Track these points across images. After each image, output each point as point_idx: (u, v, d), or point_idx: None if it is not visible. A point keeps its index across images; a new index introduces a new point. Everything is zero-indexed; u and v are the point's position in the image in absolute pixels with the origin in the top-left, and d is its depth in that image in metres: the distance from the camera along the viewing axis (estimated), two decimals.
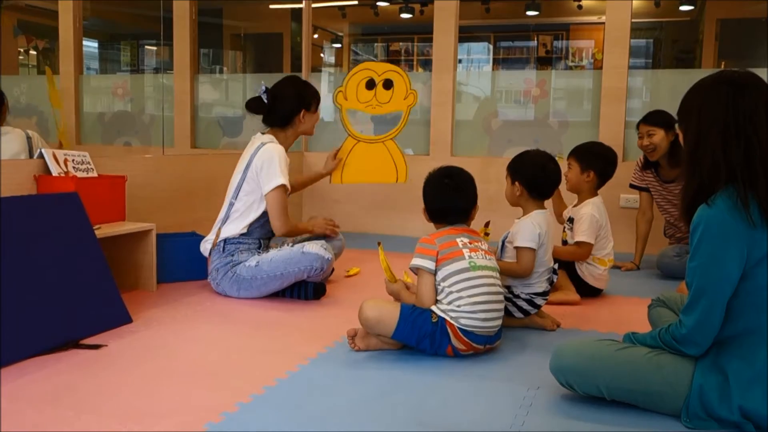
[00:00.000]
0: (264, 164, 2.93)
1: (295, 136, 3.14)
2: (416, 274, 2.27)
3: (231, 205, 3.00)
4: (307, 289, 2.94)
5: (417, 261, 2.22)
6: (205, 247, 3.04)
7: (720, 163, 1.64)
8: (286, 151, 3.03)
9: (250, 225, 2.97)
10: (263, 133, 3.08)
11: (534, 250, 2.53)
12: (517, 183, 2.61)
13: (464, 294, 2.16)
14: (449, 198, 2.33)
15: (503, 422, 1.75)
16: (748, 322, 1.65)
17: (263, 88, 3.06)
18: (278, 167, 2.92)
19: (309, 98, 3.10)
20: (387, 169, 3.61)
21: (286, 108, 3.06)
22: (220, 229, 2.99)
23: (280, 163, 2.93)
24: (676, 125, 1.83)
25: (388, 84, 3.52)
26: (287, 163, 2.99)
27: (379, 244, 2.49)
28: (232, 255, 2.95)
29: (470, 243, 2.25)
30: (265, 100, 3.05)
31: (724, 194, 1.63)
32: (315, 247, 2.89)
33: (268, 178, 2.92)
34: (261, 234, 3.03)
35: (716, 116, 1.66)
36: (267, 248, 3.06)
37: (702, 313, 1.65)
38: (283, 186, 2.93)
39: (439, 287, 2.21)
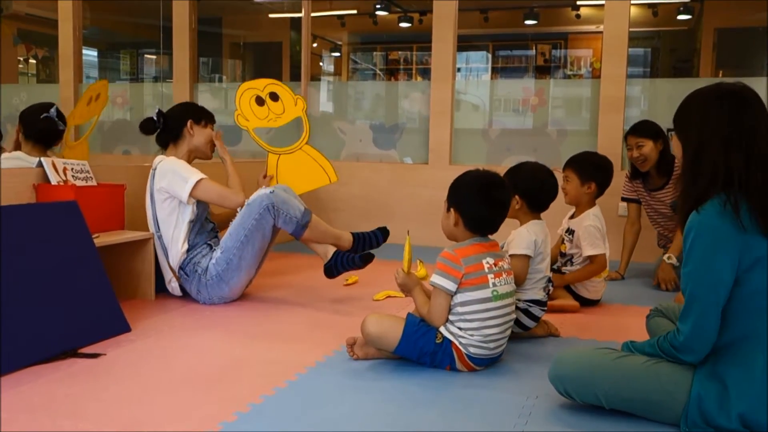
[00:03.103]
0: (166, 179, 2.91)
1: (189, 153, 3.09)
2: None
3: (159, 237, 2.97)
4: (354, 259, 2.90)
5: (438, 280, 2.13)
6: (173, 286, 3.02)
7: (720, 171, 1.65)
8: None
9: (187, 239, 2.96)
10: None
11: (528, 257, 2.52)
12: (517, 197, 2.60)
13: (480, 325, 2.12)
14: (495, 212, 2.21)
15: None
16: (744, 328, 1.65)
17: (157, 110, 3.09)
18: (180, 173, 2.91)
19: (198, 113, 3.11)
20: (317, 174, 3.57)
21: (173, 123, 3.07)
22: (169, 264, 2.98)
23: (179, 167, 2.93)
24: (671, 134, 1.83)
25: (274, 96, 3.51)
26: (188, 165, 2.97)
27: (407, 233, 2.41)
28: (196, 271, 2.93)
29: (495, 265, 2.16)
30: (155, 118, 3.06)
31: (714, 200, 1.64)
32: (255, 194, 2.90)
33: (179, 186, 2.89)
34: (204, 239, 3.02)
35: (718, 130, 1.67)
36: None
37: (696, 319, 1.65)
38: (200, 181, 2.89)
39: (454, 308, 2.15)
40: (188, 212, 2.94)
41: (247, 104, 3.44)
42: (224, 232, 2.98)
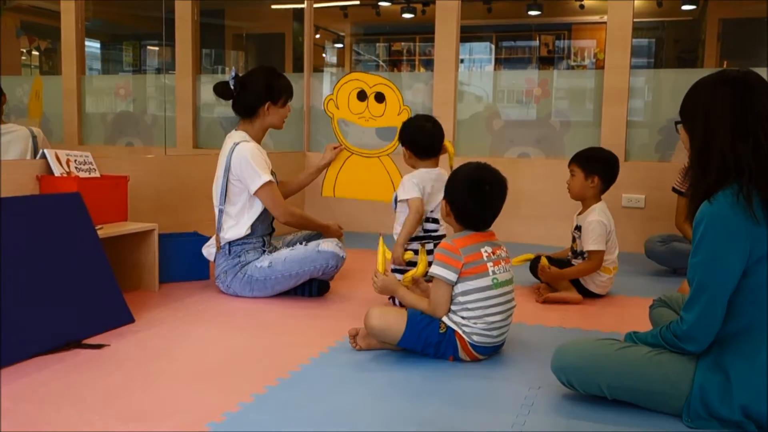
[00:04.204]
0: (241, 167, 2.90)
1: (263, 130, 3.06)
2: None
3: (221, 212, 2.97)
4: (311, 287, 2.97)
5: (438, 270, 2.14)
6: (210, 251, 3.04)
7: (730, 162, 1.63)
8: (260, 142, 3.04)
9: (252, 225, 2.96)
10: (236, 130, 3.04)
11: (419, 198, 2.74)
12: (404, 149, 2.88)
13: (482, 313, 2.13)
14: (486, 205, 2.20)
15: (504, 422, 1.75)
16: (750, 319, 1.65)
17: (233, 73, 3.00)
18: (254, 167, 2.89)
19: (277, 91, 3.01)
20: (383, 186, 3.30)
21: (251, 98, 2.99)
22: (218, 234, 2.98)
23: (254, 161, 2.90)
24: (679, 126, 1.82)
25: (380, 97, 3.27)
26: (263, 158, 2.95)
27: (380, 236, 2.41)
28: (239, 256, 2.95)
29: (493, 253, 2.18)
30: (232, 86, 2.98)
31: (726, 191, 1.63)
32: (330, 245, 2.92)
33: (251, 180, 2.90)
34: (263, 231, 3.03)
35: (724, 117, 1.65)
36: (272, 246, 3.08)
37: (703, 309, 1.65)
38: (267, 183, 2.90)
39: (455, 298, 2.16)
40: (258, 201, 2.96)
41: (346, 94, 3.28)
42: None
